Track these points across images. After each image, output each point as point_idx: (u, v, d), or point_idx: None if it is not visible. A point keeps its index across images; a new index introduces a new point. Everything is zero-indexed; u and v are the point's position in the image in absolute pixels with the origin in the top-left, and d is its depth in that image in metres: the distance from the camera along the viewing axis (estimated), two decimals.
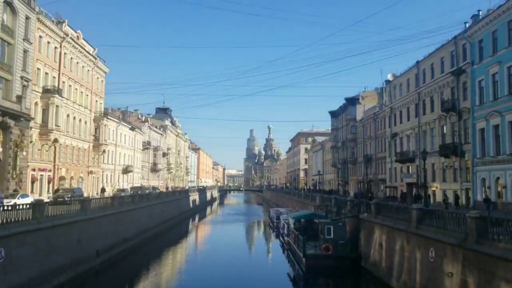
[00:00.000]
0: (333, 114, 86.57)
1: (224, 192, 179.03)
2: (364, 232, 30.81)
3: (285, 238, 42.96)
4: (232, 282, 28.42)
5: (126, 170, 72.12)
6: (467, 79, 37.41)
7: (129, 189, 59.19)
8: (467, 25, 38.41)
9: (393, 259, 24.70)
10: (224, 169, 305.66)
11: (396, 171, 54.38)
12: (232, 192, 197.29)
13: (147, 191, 58.68)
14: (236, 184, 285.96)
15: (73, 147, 51.77)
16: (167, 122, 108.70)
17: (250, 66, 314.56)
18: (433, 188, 43.18)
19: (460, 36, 38.87)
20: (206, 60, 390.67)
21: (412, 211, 22.74)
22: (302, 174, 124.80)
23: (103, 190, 52.76)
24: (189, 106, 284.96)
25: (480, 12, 37.10)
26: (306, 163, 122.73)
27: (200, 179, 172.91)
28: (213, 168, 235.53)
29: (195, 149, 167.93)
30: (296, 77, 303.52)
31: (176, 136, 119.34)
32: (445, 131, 41.81)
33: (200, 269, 32.99)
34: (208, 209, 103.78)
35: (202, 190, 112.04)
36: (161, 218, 53.22)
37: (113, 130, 67.02)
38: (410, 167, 49.79)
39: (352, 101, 75.04)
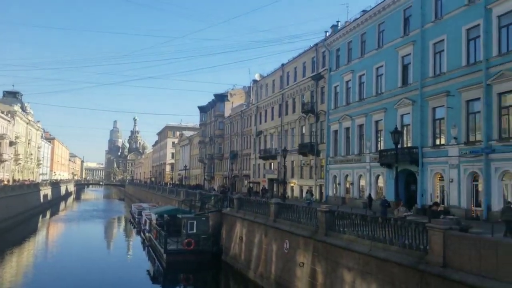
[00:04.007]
0: (202, 109, 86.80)
1: (81, 186, 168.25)
2: (226, 227, 31.32)
3: (147, 234, 41.56)
4: (88, 283, 26.29)
5: None
6: (324, 84, 40.64)
7: None
8: (327, 34, 41.71)
9: (251, 251, 25.50)
10: (82, 161, 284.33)
11: (259, 167, 56.72)
12: (91, 186, 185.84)
13: None
14: (96, 178, 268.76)
15: None
16: (17, 108, 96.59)
17: (116, 53, 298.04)
18: (292, 184, 46.07)
19: (320, 44, 42.04)
20: (66, 43, 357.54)
21: (271, 205, 23.72)
22: (168, 168, 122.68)
23: None
24: (44, 92, 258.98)
25: (339, 23, 40.57)
26: (173, 157, 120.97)
27: (54, 172, 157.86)
28: (69, 160, 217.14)
29: (49, 139, 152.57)
30: (166, 69, 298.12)
31: (27, 123, 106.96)
32: (304, 131, 44.90)
33: (51, 272, 29.53)
34: (62, 205, 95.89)
35: (55, 184, 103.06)
36: (5, 214, 47.15)
37: None
38: (272, 163, 52.38)
39: (221, 98, 76.13)
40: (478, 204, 22.95)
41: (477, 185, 23.20)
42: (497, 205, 21.33)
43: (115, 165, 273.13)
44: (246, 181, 62.42)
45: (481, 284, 10.16)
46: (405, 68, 29.26)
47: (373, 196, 31.48)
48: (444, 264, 11.49)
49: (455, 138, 24.06)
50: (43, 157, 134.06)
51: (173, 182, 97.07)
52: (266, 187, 49.53)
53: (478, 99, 22.77)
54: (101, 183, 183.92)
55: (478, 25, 23.02)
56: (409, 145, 28.27)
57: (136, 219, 53.93)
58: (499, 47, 21.85)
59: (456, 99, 24.10)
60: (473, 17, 23.36)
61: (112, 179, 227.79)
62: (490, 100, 21.93)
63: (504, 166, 21.17)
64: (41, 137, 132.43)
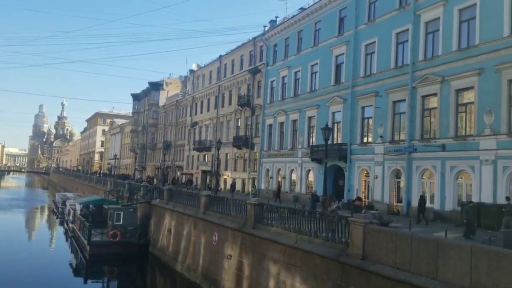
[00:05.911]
0: (136, 97, 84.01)
1: (1, 173, 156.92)
2: (155, 218, 30.57)
3: (70, 225, 39.57)
4: (4, 274, 24.32)
5: None
6: (261, 79, 40.81)
7: None
8: (266, 28, 41.87)
9: (180, 244, 25.06)
10: (3, 146, 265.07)
11: (193, 159, 55.98)
12: (12, 173, 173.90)
13: None
14: (18, 164, 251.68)
15: None
16: None
17: (41, 33, 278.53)
18: (225, 176, 45.95)
19: (258, 38, 42.11)
20: None
21: (202, 197, 23.41)
22: (97, 157, 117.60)
23: None
24: None
25: (278, 18, 40.87)
26: (102, 145, 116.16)
27: None
28: None
29: None
30: (98, 54, 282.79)
31: None
32: (239, 124, 44.91)
33: None
34: None
35: None
36: None
37: None
38: (206, 155, 51.90)
39: (156, 86, 74.12)
40: (399, 200, 24.22)
41: (399, 182, 24.47)
42: (416, 201, 22.62)
43: (40, 152, 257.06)
44: (179, 173, 61.42)
45: (395, 275, 10.62)
46: (338, 67, 30.11)
47: (303, 190, 32.26)
48: (364, 256, 11.90)
49: (381, 136, 25.18)
50: None
51: (102, 171, 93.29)
52: (192, 179, 49.41)
53: (404, 100, 23.95)
54: (23, 170, 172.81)
55: (407, 29, 24.18)
56: (339, 141, 29.16)
57: (60, 209, 51.31)
58: (425, 52, 23.11)
59: (384, 100, 25.19)
60: (403, 22, 24.48)
61: (36, 166, 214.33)
62: (415, 102, 23.15)
63: (424, 164, 22.47)
64: None
